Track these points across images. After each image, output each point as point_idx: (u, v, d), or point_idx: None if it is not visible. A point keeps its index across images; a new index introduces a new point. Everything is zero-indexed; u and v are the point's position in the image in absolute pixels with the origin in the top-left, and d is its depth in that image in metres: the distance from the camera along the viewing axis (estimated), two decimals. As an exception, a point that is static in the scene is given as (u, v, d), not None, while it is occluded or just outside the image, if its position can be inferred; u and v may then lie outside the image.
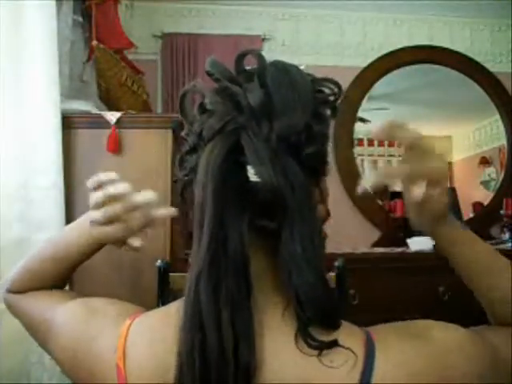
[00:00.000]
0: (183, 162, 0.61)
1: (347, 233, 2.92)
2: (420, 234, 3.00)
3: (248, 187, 0.51)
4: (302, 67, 0.59)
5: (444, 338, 0.57)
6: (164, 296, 1.16)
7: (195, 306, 0.53)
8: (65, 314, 0.68)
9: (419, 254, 2.72)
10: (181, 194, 0.62)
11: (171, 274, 1.16)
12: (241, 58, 0.56)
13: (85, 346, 0.62)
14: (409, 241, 2.85)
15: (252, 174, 0.51)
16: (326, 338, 0.53)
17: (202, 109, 0.57)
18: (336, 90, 0.58)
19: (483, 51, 3.24)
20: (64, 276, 0.79)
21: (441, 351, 0.55)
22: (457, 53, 3.18)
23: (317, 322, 0.53)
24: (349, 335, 0.56)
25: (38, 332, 0.73)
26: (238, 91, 0.54)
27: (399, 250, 2.84)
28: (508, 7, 2.91)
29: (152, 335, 0.57)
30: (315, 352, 0.53)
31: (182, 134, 0.60)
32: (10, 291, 0.78)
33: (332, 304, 0.54)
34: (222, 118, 0.54)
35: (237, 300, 0.52)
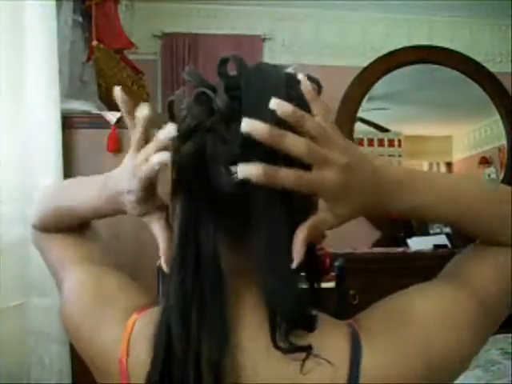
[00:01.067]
0: None
1: (347, 233, 2.91)
2: (420, 234, 3.00)
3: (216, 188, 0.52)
4: (291, 68, 0.59)
5: (428, 315, 0.56)
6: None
7: (165, 306, 0.54)
8: (74, 287, 0.67)
9: (419, 254, 2.72)
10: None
11: (171, 274, 1.16)
12: (223, 63, 0.57)
13: (88, 332, 0.62)
14: (409, 241, 2.85)
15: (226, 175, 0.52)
16: (304, 340, 0.53)
17: (182, 115, 0.59)
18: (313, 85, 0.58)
19: (483, 51, 3.24)
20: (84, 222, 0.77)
21: (427, 333, 0.55)
22: (457, 53, 3.18)
23: (288, 324, 0.52)
24: (333, 334, 0.56)
25: (56, 278, 0.74)
26: (210, 95, 0.55)
27: (399, 249, 2.84)
28: (508, 7, 2.91)
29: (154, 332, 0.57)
30: (299, 357, 0.52)
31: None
32: (34, 227, 0.79)
33: (301, 307, 0.53)
34: (194, 121, 0.55)
35: (208, 299, 0.53)
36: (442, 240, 2.82)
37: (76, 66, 1.97)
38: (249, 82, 0.55)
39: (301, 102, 0.52)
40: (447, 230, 2.94)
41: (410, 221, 2.97)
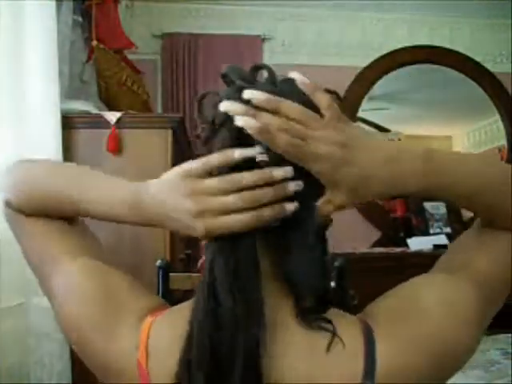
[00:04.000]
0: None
1: (347, 233, 2.92)
2: (420, 234, 3.00)
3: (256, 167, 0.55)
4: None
5: (435, 305, 0.57)
6: (164, 296, 1.16)
7: (210, 281, 0.54)
8: (72, 286, 0.62)
9: (419, 254, 2.72)
10: None
11: (171, 273, 1.16)
12: (255, 70, 0.59)
13: (100, 337, 0.60)
14: (409, 241, 2.85)
15: (258, 154, 0.54)
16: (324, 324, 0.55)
17: (217, 104, 0.59)
18: (333, 96, 0.60)
19: (483, 51, 3.24)
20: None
21: (437, 322, 0.56)
22: (457, 53, 3.18)
23: (310, 297, 0.55)
24: (346, 326, 0.56)
25: (35, 271, 0.68)
26: (250, 87, 0.57)
27: (399, 249, 2.84)
28: (508, 7, 2.91)
29: (176, 332, 0.55)
30: (322, 348, 0.54)
31: (197, 132, 0.62)
32: (9, 206, 0.69)
33: (325, 281, 0.57)
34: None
35: (247, 282, 0.54)
36: (442, 240, 2.82)
37: (76, 65, 1.97)
38: (284, 85, 0.59)
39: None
40: (447, 230, 2.94)
41: (410, 221, 2.96)
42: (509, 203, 0.58)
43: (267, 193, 0.54)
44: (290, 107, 0.53)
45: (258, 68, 0.59)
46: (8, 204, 0.69)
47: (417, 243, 2.82)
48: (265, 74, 0.60)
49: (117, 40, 2.04)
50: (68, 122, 1.62)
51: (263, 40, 3.03)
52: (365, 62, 3.10)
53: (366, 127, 3.18)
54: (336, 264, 1.25)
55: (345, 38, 3.14)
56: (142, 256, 1.56)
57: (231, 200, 0.54)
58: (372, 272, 2.40)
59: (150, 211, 0.58)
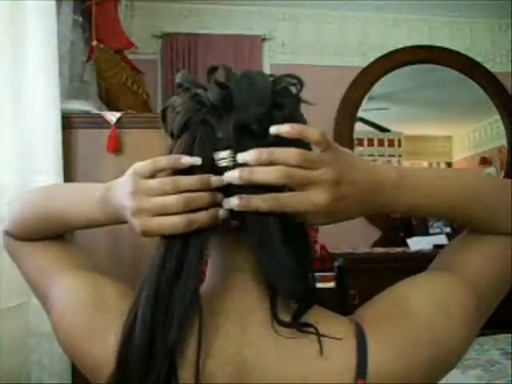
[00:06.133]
0: None
1: (347, 233, 2.92)
2: (420, 234, 3.00)
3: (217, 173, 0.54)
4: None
5: (428, 307, 0.57)
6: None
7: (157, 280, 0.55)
8: (66, 294, 0.64)
9: (419, 254, 2.72)
10: None
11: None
12: (212, 71, 0.60)
13: (87, 342, 0.60)
14: (409, 241, 2.85)
15: (221, 160, 0.55)
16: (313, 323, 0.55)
17: (174, 113, 0.62)
18: (294, 81, 0.60)
19: (483, 51, 3.24)
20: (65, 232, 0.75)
21: (429, 324, 0.56)
22: (457, 53, 3.18)
23: (288, 294, 0.54)
24: (338, 328, 0.56)
25: (35, 290, 0.72)
26: (201, 92, 0.59)
27: (399, 249, 2.84)
28: (508, 7, 2.91)
29: None
30: (313, 351, 0.54)
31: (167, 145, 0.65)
32: (8, 234, 0.74)
33: (302, 278, 0.54)
34: (186, 114, 0.59)
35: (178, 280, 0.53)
36: (442, 240, 2.82)
37: (76, 65, 1.97)
38: (238, 83, 0.58)
39: (292, 114, 0.57)
40: (447, 229, 2.94)
41: (410, 221, 2.97)
42: (508, 209, 0.59)
43: (200, 197, 0.53)
44: (286, 154, 0.52)
45: (213, 70, 0.60)
46: (7, 233, 0.74)
47: (417, 243, 2.82)
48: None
49: (117, 40, 2.04)
50: (68, 122, 1.62)
51: (263, 40, 3.03)
52: (365, 62, 3.10)
53: (366, 127, 3.19)
54: (336, 264, 1.25)
55: (345, 38, 3.14)
56: (141, 256, 1.56)
57: (168, 201, 0.53)
58: (372, 272, 2.40)
59: (112, 207, 0.59)
